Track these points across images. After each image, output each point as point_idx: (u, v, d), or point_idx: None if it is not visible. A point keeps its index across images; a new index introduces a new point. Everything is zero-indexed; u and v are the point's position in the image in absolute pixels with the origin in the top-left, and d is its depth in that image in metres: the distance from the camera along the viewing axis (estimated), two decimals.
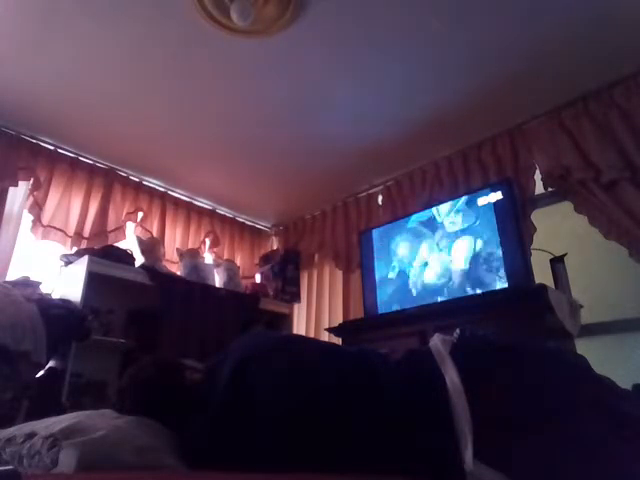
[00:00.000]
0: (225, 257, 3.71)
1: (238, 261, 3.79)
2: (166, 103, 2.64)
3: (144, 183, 3.38)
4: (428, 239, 2.70)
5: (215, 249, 3.68)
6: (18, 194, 2.81)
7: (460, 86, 2.50)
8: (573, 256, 2.37)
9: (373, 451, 0.92)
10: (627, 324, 2.37)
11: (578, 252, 2.47)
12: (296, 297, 3.56)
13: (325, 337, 3.05)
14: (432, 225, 2.70)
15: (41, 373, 2.16)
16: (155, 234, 3.30)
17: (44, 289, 2.51)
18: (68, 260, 2.70)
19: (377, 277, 2.88)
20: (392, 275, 2.81)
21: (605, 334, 2.43)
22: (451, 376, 0.95)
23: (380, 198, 3.41)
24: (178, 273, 3.15)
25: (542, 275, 2.30)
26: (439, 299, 2.52)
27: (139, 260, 2.88)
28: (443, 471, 0.87)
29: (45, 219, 2.85)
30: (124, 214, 3.20)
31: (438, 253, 2.63)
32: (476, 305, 2.23)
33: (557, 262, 2.34)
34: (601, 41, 2.20)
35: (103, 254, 2.65)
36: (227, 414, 0.98)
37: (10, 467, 0.54)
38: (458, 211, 2.61)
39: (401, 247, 2.82)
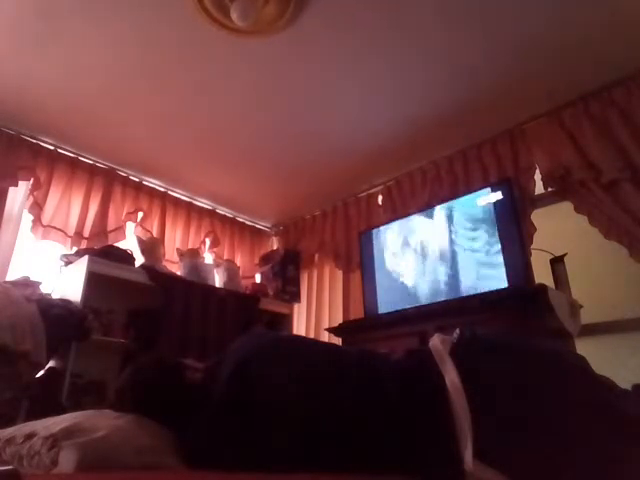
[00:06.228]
0: (225, 257, 3.71)
1: (238, 261, 3.79)
2: (166, 103, 2.64)
3: (144, 183, 3.38)
4: (428, 239, 2.70)
5: (215, 249, 3.68)
6: (18, 194, 2.81)
7: (460, 86, 2.50)
8: (573, 256, 2.37)
9: (373, 451, 0.93)
10: (627, 324, 2.37)
11: (578, 252, 2.47)
12: (296, 297, 3.56)
13: (325, 337, 3.05)
14: (432, 225, 2.70)
15: (41, 373, 2.16)
16: (155, 234, 3.30)
17: (44, 289, 2.51)
18: (68, 260, 2.70)
19: (377, 277, 2.88)
20: (392, 274, 2.80)
21: (605, 334, 2.43)
22: (451, 376, 0.95)
23: (380, 198, 3.41)
24: (178, 273, 3.15)
25: (542, 275, 2.30)
26: (439, 299, 2.52)
27: (139, 260, 2.88)
28: (443, 471, 0.87)
29: (45, 219, 2.85)
30: (124, 214, 3.20)
31: (438, 253, 2.63)
32: (476, 305, 2.23)
33: (557, 262, 2.34)
34: (601, 41, 2.20)
35: (103, 254, 2.65)
36: (227, 414, 0.98)
37: (10, 467, 0.54)
38: (458, 211, 2.61)
39: (401, 247, 2.82)
